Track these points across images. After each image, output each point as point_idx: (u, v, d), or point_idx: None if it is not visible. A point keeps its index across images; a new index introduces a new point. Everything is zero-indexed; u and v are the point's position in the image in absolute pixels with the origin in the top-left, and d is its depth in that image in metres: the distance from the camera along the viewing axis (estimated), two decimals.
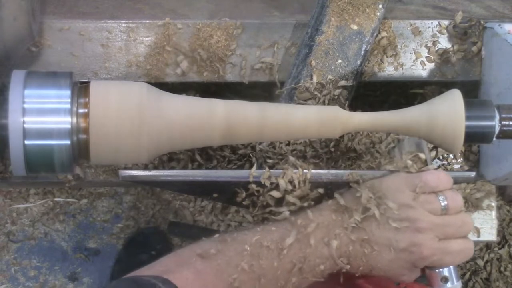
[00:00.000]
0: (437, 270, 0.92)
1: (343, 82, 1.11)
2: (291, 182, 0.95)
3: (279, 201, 0.96)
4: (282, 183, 0.94)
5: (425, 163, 0.95)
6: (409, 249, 0.89)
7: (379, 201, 0.90)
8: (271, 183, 0.96)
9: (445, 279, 0.91)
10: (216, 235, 0.88)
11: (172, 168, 1.14)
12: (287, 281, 0.87)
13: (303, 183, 0.95)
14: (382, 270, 0.90)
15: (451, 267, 0.92)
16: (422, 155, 0.96)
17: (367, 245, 0.89)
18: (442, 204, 0.90)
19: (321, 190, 0.96)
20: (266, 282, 0.85)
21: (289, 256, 0.87)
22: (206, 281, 0.82)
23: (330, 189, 0.98)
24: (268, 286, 0.86)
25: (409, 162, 0.94)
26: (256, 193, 0.97)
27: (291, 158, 1.00)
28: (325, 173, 0.99)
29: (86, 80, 1.03)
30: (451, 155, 1.20)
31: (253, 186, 0.96)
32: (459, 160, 1.20)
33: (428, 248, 0.89)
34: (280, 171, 0.96)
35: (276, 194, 0.95)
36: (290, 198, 0.94)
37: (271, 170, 0.96)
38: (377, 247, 0.89)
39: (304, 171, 0.96)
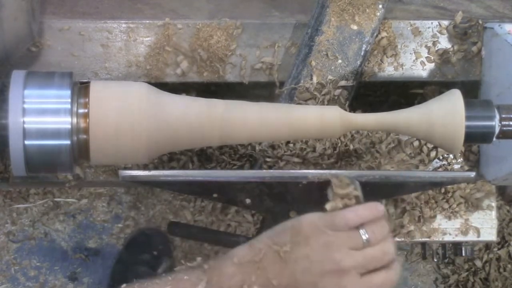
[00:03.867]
0: None
1: (343, 82, 1.11)
2: None
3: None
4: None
5: (358, 200, 0.92)
6: None
7: (293, 246, 0.85)
8: None
9: None
10: (123, 285, 0.84)
11: (172, 168, 1.14)
12: None
13: None
14: None
15: None
16: (355, 193, 0.93)
17: None
18: (364, 237, 0.86)
19: None
20: None
21: None
22: None
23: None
24: None
25: (339, 205, 0.90)
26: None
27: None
28: (325, 173, 0.99)
29: (86, 80, 1.03)
30: (451, 155, 1.20)
31: None
32: (459, 160, 1.20)
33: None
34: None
35: None
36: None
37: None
38: None
39: (307, 171, 0.95)
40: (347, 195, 0.90)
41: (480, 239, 1.26)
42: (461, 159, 1.20)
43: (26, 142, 0.86)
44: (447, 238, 1.25)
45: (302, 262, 0.84)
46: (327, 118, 0.94)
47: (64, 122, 0.87)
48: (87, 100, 0.88)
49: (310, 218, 0.87)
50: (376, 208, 0.88)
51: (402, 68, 1.16)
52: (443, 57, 1.16)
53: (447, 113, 0.93)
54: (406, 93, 1.31)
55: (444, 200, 1.23)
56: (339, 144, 1.13)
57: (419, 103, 0.98)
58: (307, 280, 0.84)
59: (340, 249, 0.85)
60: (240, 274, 0.84)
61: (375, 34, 1.12)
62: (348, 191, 0.90)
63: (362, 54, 1.11)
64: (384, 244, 0.88)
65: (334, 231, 0.85)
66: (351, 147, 1.14)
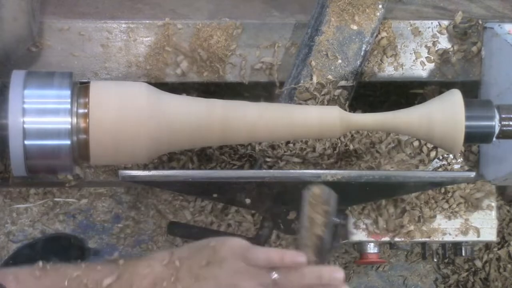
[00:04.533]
0: None
1: (343, 82, 1.11)
2: None
3: None
4: None
5: (327, 215, 0.89)
6: None
7: (205, 270, 0.85)
8: None
9: None
10: (40, 262, 0.85)
11: (172, 168, 1.14)
12: None
13: None
14: None
15: None
16: (326, 207, 0.90)
17: None
18: (273, 277, 0.84)
19: None
20: None
21: None
22: None
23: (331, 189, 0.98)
24: None
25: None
26: None
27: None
28: (324, 173, 0.99)
29: (86, 80, 1.03)
30: (451, 155, 1.20)
31: None
32: (459, 160, 1.20)
33: None
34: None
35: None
36: None
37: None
38: None
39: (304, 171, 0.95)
40: (319, 208, 0.90)
41: (480, 239, 1.26)
42: (461, 159, 1.20)
43: (26, 142, 0.86)
44: (447, 238, 1.25)
45: (211, 283, 0.84)
46: (327, 118, 0.94)
47: (64, 122, 0.87)
48: (87, 100, 0.88)
49: (232, 242, 0.86)
50: (293, 257, 0.85)
51: (402, 68, 1.16)
52: (443, 57, 1.16)
53: (447, 113, 0.93)
54: (406, 93, 1.31)
55: (444, 200, 1.23)
56: (339, 144, 1.13)
57: (419, 103, 0.98)
58: None
59: (249, 281, 0.84)
60: (153, 277, 0.84)
61: (375, 34, 1.12)
62: (321, 206, 0.90)
63: (362, 54, 1.11)
64: (292, 282, 0.84)
65: (244, 262, 0.85)
66: (351, 147, 1.14)
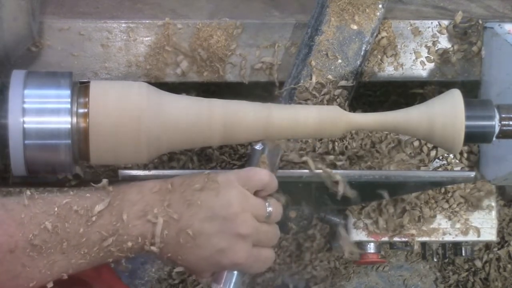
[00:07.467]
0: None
1: (343, 82, 1.11)
2: None
3: None
4: None
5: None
6: (225, 252, 0.87)
7: (202, 194, 0.87)
8: None
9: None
10: (27, 191, 0.84)
11: (172, 168, 1.14)
12: (91, 250, 0.84)
13: None
14: (189, 263, 0.88)
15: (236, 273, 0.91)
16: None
17: (185, 235, 0.85)
18: (268, 210, 0.89)
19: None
20: (69, 247, 0.82)
21: (98, 226, 0.83)
22: (6, 232, 0.79)
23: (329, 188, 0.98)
24: (70, 251, 0.83)
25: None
26: None
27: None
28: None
29: (86, 80, 1.03)
30: (451, 155, 1.20)
31: None
32: (459, 160, 1.20)
33: (243, 255, 0.87)
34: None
35: None
36: None
37: None
38: (193, 241, 0.86)
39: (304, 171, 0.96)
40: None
41: (480, 239, 1.26)
42: (461, 159, 1.20)
43: (26, 142, 0.86)
44: (447, 238, 1.25)
45: (205, 211, 0.86)
46: (327, 118, 0.94)
47: (64, 122, 0.87)
48: (87, 100, 0.88)
49: (227, 173, 0.90)
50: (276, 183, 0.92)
51: (402, 68, 1.16)
52: (443, 57, 1.16)
53: (447, 113, 0.93)
54: (406, 93, 1.31)
55: (444, 200, 1.23)
56: (339, 144, 1.13)
57: (419, 103, 0.98)
58: (202, 230, 0.86)
59: (245, 212, 0.87)
60: (143, 204, 0.86)
61: (375, 34, 1.12)
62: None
63: (362, 54, 1.11)
64: (276, 226, 0.92)
65: (245, 186, 0.88)
66: (351, 147, 1.14)
